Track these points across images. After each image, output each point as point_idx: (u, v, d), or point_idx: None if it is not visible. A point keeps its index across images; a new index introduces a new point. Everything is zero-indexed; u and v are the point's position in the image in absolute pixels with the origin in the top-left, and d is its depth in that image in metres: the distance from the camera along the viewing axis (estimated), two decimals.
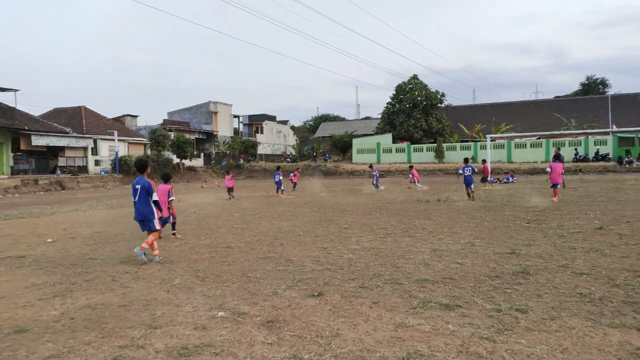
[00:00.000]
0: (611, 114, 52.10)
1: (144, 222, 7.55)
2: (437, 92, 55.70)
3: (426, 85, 55.42)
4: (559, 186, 15.26)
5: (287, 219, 12.59)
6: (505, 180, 28.43)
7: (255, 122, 70.79)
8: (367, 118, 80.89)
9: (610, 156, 41.51)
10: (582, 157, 43.31)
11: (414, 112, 54.10)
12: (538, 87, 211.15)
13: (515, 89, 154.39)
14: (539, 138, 46.89)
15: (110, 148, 43.34)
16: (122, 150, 44.42)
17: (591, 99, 62.16)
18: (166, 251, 8.37)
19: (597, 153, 42.85)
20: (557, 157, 16.73)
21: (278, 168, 24.10)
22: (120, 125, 49.28)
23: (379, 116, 63.83)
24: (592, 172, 36.45)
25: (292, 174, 28.21)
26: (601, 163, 40.50)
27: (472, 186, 16.86)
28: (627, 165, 37.52)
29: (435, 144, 50.08)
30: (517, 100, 70.25)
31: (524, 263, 6.32)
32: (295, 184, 27.20)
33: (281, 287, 5.62)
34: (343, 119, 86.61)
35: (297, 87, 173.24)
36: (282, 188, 22.61)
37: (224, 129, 61.04)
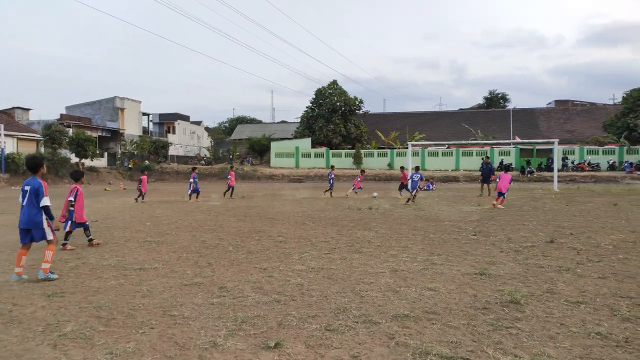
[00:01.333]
0: (512, 126, 56.06)
1: (30, 231, 6.25)
2: (356, 98, 56.21)
3: (345, 92, 55.71)
4: (505, 194, 15.99)
5: (211, 230, 10.94)
6: (425, 187, 28.78)
7: (167, 121, 66.57)
8: (283, 122, 79.86)
9: (514, 166, 44.29)
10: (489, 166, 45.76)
11: (333, 118, 54.00)
12: (441, 100, 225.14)
13: (422, 100, 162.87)
14: (448, 147, 48.96)
15: None
16: (10, 146, 38.94)
17: (494, 112, 66.66)
18: (57, 276, 6.45)
19: (501, 163, 45.46)
20: (506, 169, 18.58)
21: (194, 169, 22.07)
22: (8, 119, 43.36)
23: (296, 121, 63.14)
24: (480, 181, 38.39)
25: (228, 177, 22.81)
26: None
27: (415, 192, 18.13)
28: (528, 175, 40.17)
29: (354, 150, 50.33)
30: (429, 111, 73.51)
31: (505, 289, 5.46)
32: (231, 188, 22.47)
33: (221, 333, 4.17)
34: (260, 122, 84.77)
35: (210, 87, 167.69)
36: (198, 191, 20.70)
37: (131, 128, 56.44)
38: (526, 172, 40.68)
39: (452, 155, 48.50)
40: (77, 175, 9.12)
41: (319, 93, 56.25)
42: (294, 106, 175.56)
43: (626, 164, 41.15)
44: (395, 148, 51.74)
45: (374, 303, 5.03)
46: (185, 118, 69.89)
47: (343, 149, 52.94)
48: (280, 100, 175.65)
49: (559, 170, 42.93)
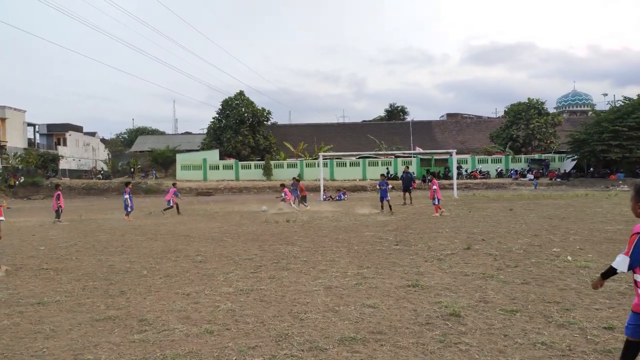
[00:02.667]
0: (412, 137, 59.38)
1: None
2: (264, 109, 55.88)
3: (253, 102, 55.12)
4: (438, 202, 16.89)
5: (118, 252, 9.91)
6: (337, 197, 29.22)
7: (57, 132, 60.77)
8: (188, 133, 77.00)
9: (415, 175, 46.82)
10: (392, 176, 47.96)
11: (242, 129, 53.12)
12: (344, 112, 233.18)
13: (325, 112, 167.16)
14: (359, 157, 50.47)
15: None
16: None
17: (395, 124, 70.23)
18: None
19: (404, 172, 47.74)
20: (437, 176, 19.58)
21: (127, 185, 20.04)
22: None
23: (201, 132, 61.15)
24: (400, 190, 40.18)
25: (171, 193, 20.42)
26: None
27: (386, 199, 18.47)
28: (429, 184, 42.61)
29: (263, 162, 49.85)
30: (334, 122, 75.41)
31: (442, 301, 5.48)
32: (175, 205, 20.23)
33: None
34: (163, 133, 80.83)
35: (104, 97, 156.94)
36: (131, 209, 18.81)
37: (15, 139, 50.62)
38: (427, 181, 43.14)
39: (359, 165, 50.03)
40: None
41: (226, 104, 55.04)
42: (198, 117, 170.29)
43: (512, 172, 45.48)
44: (304, 159, 52.13)
45: (316, 326, 4.74)
46: (78, 129, 64.39)
47: (252, 160, 52.20)
48: (182, 111, 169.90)
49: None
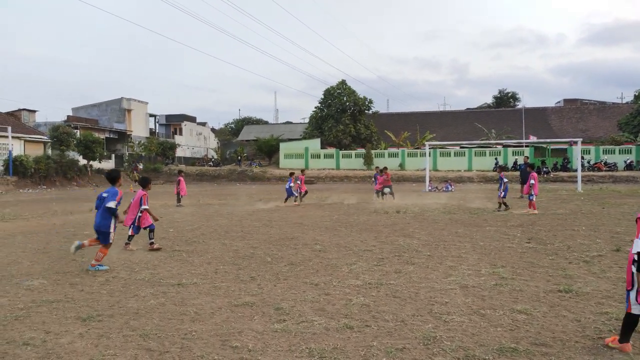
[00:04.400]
0: (525, 125, 55.14)
1: (98, 233, 7.22)
2: (365, 98, 55.46)
3: (354, 91, 54.94)
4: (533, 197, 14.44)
5: (240, 238, 10.24)
6: (444, 189, 28.03)
7: (174, 122, 65.99)
8: (289, 122, 79.18)
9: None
10: (504, 167, 44.98)
11: (343, 118, 53.25)
12: (446, 100, 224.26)
13: (424, 100, 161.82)
14: (462, 147, 48.16)
15: (3, 146, 37.19)
16: (17, 149, 38.40)
17: (505, 111, 65.82)
18: (88, 294, 5.78)
19: (515, 163, 44.67)
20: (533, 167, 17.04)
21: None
22: (14, 121, 42.80)
23: (302, 121, 62.43)
24: (513, 181, 37.54)
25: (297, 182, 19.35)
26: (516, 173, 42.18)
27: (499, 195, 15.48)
28: (544, 175, 39.24)
29: (364, 151, 49.58)
30: (436, 110, 72.75)
31: (608, 311, 4.75)
32: (305, 192, 20.05)
33: None
34: (266, 123, 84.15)
35: (211, 88, 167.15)
36: (295, 195, 18.97)
37: (138, 129, 55.87)
38: (542, 172, 39.77)
39: (464, 155, 47.71)
40: (145, 181, 9.33)
41: (328, 93, 55.50)
42: (297, 107, 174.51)
43: None
44: (406, 148, 50.97)
45: (465, 331, 4.32)
46: (192, 119, 69.34)
47: (353, 149, 52.19)
48: (282, 101, 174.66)
49: (575, 170, 42.25)
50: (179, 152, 58.80)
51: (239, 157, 55.77)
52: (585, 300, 5.22)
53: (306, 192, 20.33)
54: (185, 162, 57.97)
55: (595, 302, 5.15)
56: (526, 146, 45.97)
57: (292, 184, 18.91)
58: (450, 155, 48.52)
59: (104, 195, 7.21)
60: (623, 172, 39.44)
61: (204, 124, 75.96)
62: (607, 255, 7.72)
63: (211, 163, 56.69)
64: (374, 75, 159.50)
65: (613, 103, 69.05)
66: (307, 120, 60.74)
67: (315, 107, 57.11)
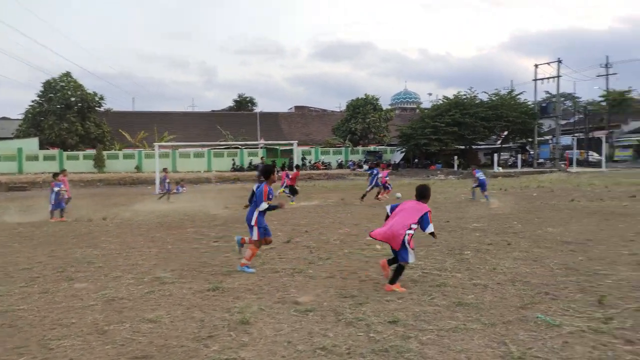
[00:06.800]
0: (259, 129, 59.28)
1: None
2: (95, 94, 50.12)
3: (82, 85, 49.00)
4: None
5: None
6: (175, 190, 27.31)
7: None
8: (5, 119, 65.47)
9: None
10: (238, 167, 47.28)
11: (68, 115, 46.82)
12: (195, 101, 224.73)
13: (173, 100, 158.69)
14: (205, 148, 48.55)
15: None
16: None
17: (243, 115, 69.48)
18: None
19: (250, 163, 47.56)
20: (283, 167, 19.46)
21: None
22: None
23: (21, 117, 52.47)
24: (248, 180, 39.79)
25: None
26: (255, 172, 45.10)
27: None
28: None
29: (95, 152, 44.73)
30: (179, 111, 71.68)
31: (235, 305, 4.94)
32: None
33: None
34: None
35: None
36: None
37: None
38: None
39: (203, 156, 48.18)
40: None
41: (49, 85, 47.90)
42: (19, 101, 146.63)
43: (350, 163, 48.29)
44: (143, 149, 48.30)
45: (65, 356, 3.78)
46: None
47: (82, 150, 46.50)
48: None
49: (299, 169, 47.39)
50: None
51: None
52: (225, 296, 5.37)
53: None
54: None
55: (234, 296, 5.34)
56: (260, 148, 49.44)
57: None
58: (190, 157, 48.26)
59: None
60: (335, 170, 46.38)
61: None
62: (277, 247, 8.40)
63: None
64: (116, 71, 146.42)
65: (332, 111, 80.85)
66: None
67: (33, 102, 48.66)
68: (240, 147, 48.75)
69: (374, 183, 16.92)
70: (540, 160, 48.40)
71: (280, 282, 5.91)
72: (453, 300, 4.89)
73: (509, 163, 48.42)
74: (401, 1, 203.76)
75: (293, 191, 18.42)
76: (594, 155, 48.47)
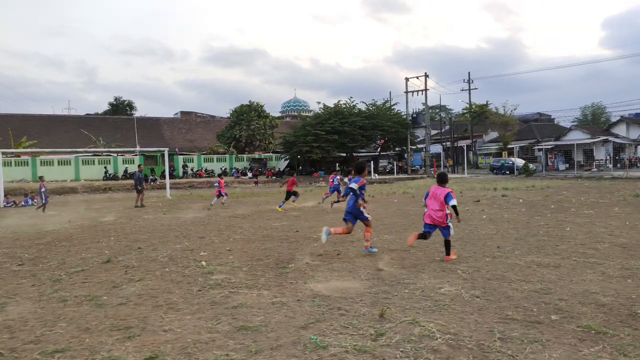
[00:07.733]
0: (137, 134, 55.65)
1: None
2: None
3: None
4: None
5: None
6: (23, 202, 24.19)
7: None
8: None
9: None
10: (111, 175, 43.81)
11: None
12: (73, 103, 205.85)
13: (50, 102, 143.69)
14: (72, 155, 44.16)
15: None
16: None
17: (119, 119, 64.82)
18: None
19: (125, 171, 44.40)
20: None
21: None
22: None
23: None
24: (122, 190, 37.01)
25: None
26: (130, 181, 42.00)
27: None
28: (151, 183, 40.30)
29: None
30: (43, 114, 64.55)
31: None
32: None
33: None
34: None
35: None
36: None
37: None
38: (149, 180, 40.71)
39: (70, 164, 43.88)
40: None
41: None
42: None
43: (234, 170, 47.33)
44: None
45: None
46: None
47: None
48: None
49: (181, 177, 45.45)
50: None
51: None
52: None
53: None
54: None
55: None
56: (136, 154, 46.29)
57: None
58: (53, 164, 43.59)
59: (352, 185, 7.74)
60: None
61: None
62: (92, 268, 7.49)
63: None
64: None
65: (220, 117, 78.85)
66: None
67: None
68: (113, 153, 45.23)
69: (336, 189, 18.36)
70: (415, 167, 51.88)
71: (61, 313, 5.11)
72: (239, 324, 4.55)
73: (387, 170, 51.18)
74: (292, 10, 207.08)
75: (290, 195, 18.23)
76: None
